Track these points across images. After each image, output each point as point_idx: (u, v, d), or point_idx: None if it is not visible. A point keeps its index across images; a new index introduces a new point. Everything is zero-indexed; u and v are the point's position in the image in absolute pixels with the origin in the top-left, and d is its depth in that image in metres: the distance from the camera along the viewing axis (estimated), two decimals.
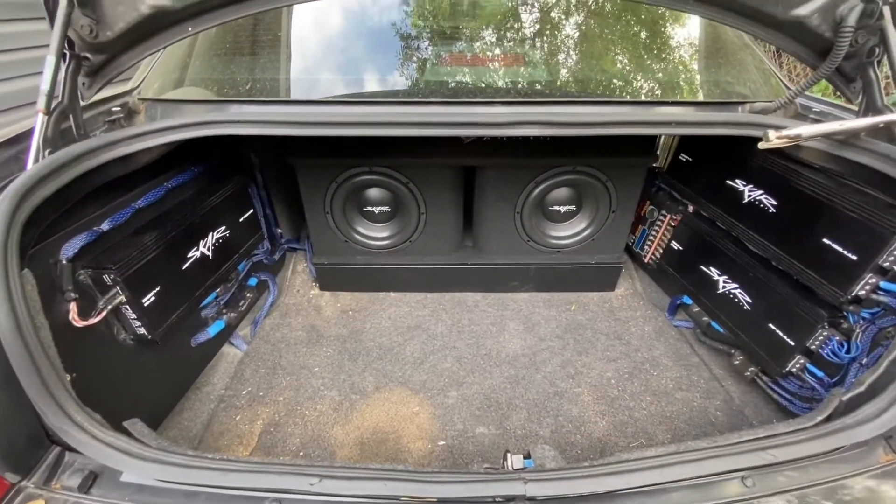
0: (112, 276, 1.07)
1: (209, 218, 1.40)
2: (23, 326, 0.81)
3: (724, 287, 1.56)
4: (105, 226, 1.10)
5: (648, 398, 1.53)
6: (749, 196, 1.43)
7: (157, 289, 1.19)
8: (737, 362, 1.55)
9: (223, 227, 1.47)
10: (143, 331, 1.17)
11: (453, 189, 1.81)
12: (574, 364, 1.66)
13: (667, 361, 1.68)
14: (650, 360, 1.69)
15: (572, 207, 1.85)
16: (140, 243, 1.15)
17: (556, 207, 1.85)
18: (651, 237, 1.94)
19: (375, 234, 1.92)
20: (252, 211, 1.64)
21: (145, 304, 1.15)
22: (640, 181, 1.77)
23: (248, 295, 1.66)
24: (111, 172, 1.10)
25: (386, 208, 1.86)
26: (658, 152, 1.85)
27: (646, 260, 1.98)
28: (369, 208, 1.86)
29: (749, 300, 1.46)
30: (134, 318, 1.15)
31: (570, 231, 1.90)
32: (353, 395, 1.52)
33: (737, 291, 1.50)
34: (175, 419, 1.43)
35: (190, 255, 1.32)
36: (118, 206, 1.16)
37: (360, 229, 1.90)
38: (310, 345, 1.73)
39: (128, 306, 1.12)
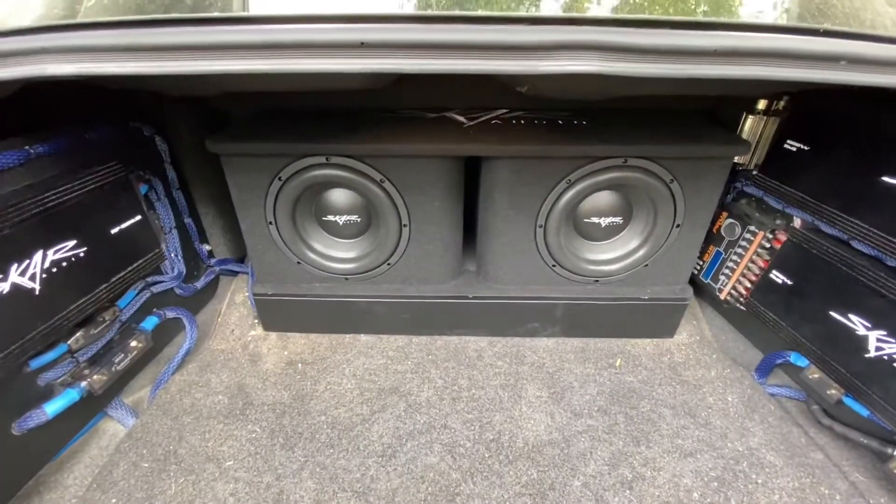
0: None
1: (40, 227, 0.85)
2: None
3: (878, 348, 0.97)
4: None
5: None
6: None
7: None
8: None
9: (72, 243, 0.91)
10: None
11: (449, 191, 1.26)
12: (630, 461, 1.07)
13: (773, 458, 1.08)
14: (746, 454, 1.09)
15: (618, 219, 1.29)
16: None
17: (596, 219, 1.28)
18: (731, 264, 1.36)
19: (339, 253, 1.36)
20: (139, 218, 1.09)
21: None
22: (720, 182, 1.21)
23: (136, 344, 1.10)
24: None
25: (354, 217, 1.31)
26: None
27: (722, 296, 1.40)
28: (331, 217, 1.31)
29: None
30: None
31: (613, 253, 1.33)
32: None
33: None
34: None
35: None
36: None
37: (318, 247, 1.35)
38: (230, 419, 1.15)
39: None
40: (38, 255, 0.84)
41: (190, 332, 1.29)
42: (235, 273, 1.57)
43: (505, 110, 1.40)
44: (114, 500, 0.96)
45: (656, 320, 1.42)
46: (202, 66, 0.59)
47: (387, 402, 1.21)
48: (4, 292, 0.79)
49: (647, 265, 1.33)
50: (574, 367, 1.33)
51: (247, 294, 1.52)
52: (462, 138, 1.19)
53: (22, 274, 0.82)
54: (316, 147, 1.17)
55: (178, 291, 1.29)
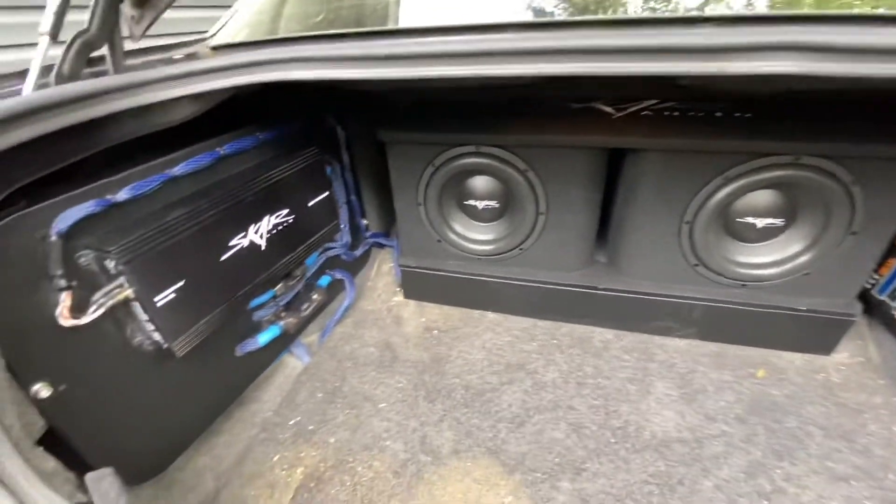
0: (114, 263, 0.78)
1: (267, 198, 1.10)
2: None
3: None
4: (122, 195, 0.83)
5: None
6: None
7: (181, 284, 0.90)
8: None
9: (286, 211, 1.15)
10: (158, 337, 0.88)
11: (590, 181, 1.29)
12: (770, 473, 1.03)
13: None
14: None
15: (778, 221, 1.20)
16: (163, 222, 0.86)
17: (751, 220, 1.21)
18: None
19: (476, 235, 1.48)
20: (327, 194, 1.31)
21: (159, 304, 0.86)
22: None
23: (316, 297, 1.35)
24: (130, 127, 0.82)
25: (493, 203, 1.41)
26: None
27: None
28: (472, 202, 1.43)
29: None
30: (146, 321, 0.86)
31: (768, 257, 1.24)
32: (423, 455, 1.10)
33: None
34: (211, 441, 1.16)
35: (234, 242, 1.01)
36: (145, 171, 0.89)
37: (458, 228, 1.48)
38: (381, 368, 1.35)
39: (138, 304, 0.84)
40: (265, 219, 1.09)
41: (350, 292, 1.53)
42: (382, 246, 1.78)
43: (655, 101, 1.36)
44: (299, 418, 1.21)
45: (811, 334, 1.29)
46: (422, 71, 0.71)
47: (514, 377, 1.31)
48: (245, 246, 1.04)
49: (808, 273, 1.22)
50: (708, 372, 1.29)
51: (392, 265, 1.72)
52: (611, 130, 1.21)
53: (256, 233, 1.06)
54: (468, 137, 1.28)
55: (343, 257, 1.52)
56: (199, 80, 0.85)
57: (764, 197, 1.18)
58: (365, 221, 1.65)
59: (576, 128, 1.24)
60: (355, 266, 1.64)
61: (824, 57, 0.58)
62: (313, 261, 1.36)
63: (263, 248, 1.09)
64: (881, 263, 1.26)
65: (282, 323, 1.23)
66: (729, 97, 1.30)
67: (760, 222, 1.21)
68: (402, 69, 0.73)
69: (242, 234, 1.03)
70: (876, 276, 1.29)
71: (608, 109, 1.34)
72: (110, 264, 0.79)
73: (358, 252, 1.61)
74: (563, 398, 1.23)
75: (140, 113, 0.83)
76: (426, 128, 1.33)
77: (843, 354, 1.31)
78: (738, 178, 1.13)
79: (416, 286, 1.61)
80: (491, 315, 1.56)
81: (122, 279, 0.80)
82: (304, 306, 1.30)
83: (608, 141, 1.19)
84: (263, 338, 1.18)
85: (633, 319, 1.42)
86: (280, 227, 1.14)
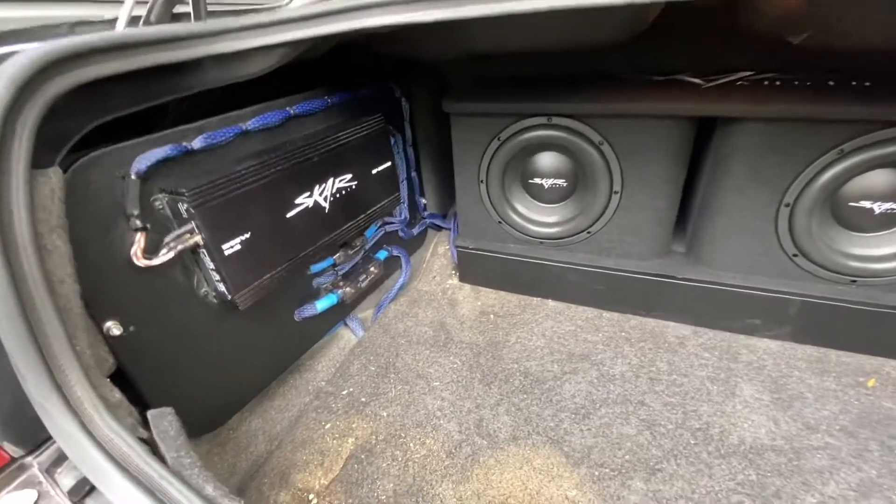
0: (186, 206, 0.78)
1: (333, 160, 1.08)
2: (12, 244, 0.54)
3: None
4: (197, 143, 0.84)
5: None
6: None
7: (247, 236, 0.89)
8: None
9: (349, 176, 1.13)
10: (223, 288, 0.88)
11: (672, 157, 1.17)
12: (889, 494, 0.87)
13: None
14: None
15: None
16: (233, 172, 0.86)
17: (868, 204, 1.05)
18: None
19: (540, 216, 1.39)
20: (390, 164, 1.28)
21: (227, 253, 0.86)
22: None
23: (374, 269, 1.32)
24: (210, 75, 0.83)
25: (561, 181, 1.32)
26: None
27: None
28: (537, 180, 1.35)
29: None
30: (213, 270, 0.86)
31: (888, 248, 1.07)
32: (479, 437, 1.03)
33: None
34: (265, 404, 1.16)
35: (300, 201, 1.00)
36: (220, 122, 0.89)
37: (521, 208, 1.41)
38: (435, 347, 1.30)
39: (205, 251, 0.84)
40: (330, 182, 1.07)
41: (405, 269, 1.49)
42: (439, 228, 1.74)
43: (749, 73, 1.22)
44: (352, 389, 1.18)
45: None
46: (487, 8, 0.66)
47: (578, 367, 1.21)
48: (310, 206, 1.03)
49: None
50: (807, 377, 1.13)
51: (448, 247, 1.67)
52: (700, 97, 1.09)
53: (320, 194, 1.05)
54: (539, 107, 1.21)
55: (400, 234, 1.49)
56: (273, 32, 0.84)
57: (885, 177, 1.02)
58: (424, 200, 1.61)
59: (658, 96, 1.13)
60: (412, 245, 1.61)
61: None
62: (372, 233, 1.34)
63: (327, 210, 1.08)
64: None
65: (339, 292, 1.21)
66: (840, 67, 1.14)
67: (879, 207, 1.04)
68: (472, 7, 0.67)
69: (308, 194, 1.01)
70: None
71: (696, 80, 1.21)
72: (182, 207, 0.79)
73: (415, 231, 1.57)
74: (634, 393, 1.12)
75: (219, 61, 0.83)
76: (494, 98, 1.27)
77: None
78: (855, 152, 0.98)
79: (473, 269, 1.55)
80: (552, 303, 1.46)
81: (192, 223, 0.80)
82: (362, 278, 1.27)
83: (697, 109, 1.07)
84: (321, 304, 1.17)
85: (715, 315, 1.28)
86: (343, 192, 1.12)
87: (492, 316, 1.43)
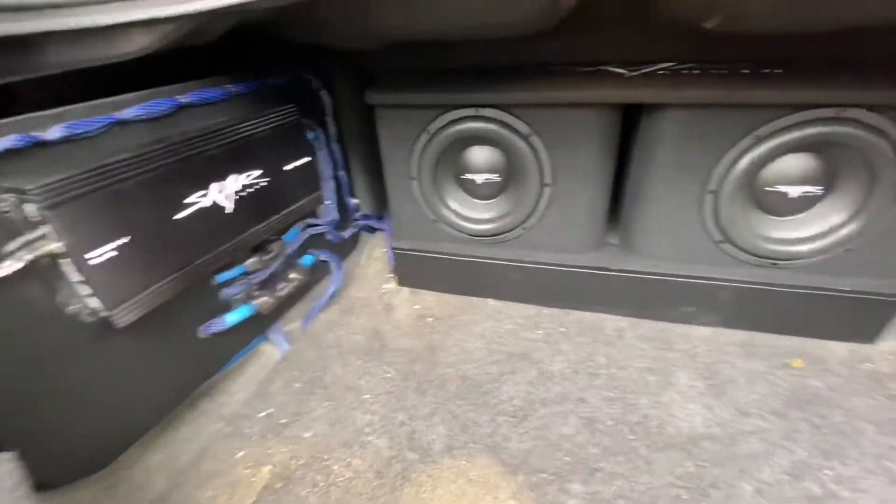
0: (36, 207, 0.65)
1: (235, 154, 0.96)
2: None
3: None
4: (53, 133, 0.71)
5: None
6: None
7: (124, 240, 0.76)
8: None
9: (258, 173, 1.02)
10: (95, 303, 0.75)
11: (601, 146, 1.16)
12: (819, 475, 0.87)
13: None
14: None
15: (814, 189, 1.05)
16: (103, 166, 0.73)
17: (783, 188, 1.07)
18: None
19: (476, 213, 1.34)
20: (308, 160, 1.18)
21: (96, 261, 0.73)
22: None
23: (296, 276, 1.21)
24: (63, 55, 0.70)
25: (494, 176, 1.28)
26: None
27: None
28: (470, 176, 1.30)
29: None
30: (80, 282, 0.73)
31: (804, 231, 1.10)
32: (411, 452, 0.95)
33: None
34: (168, 435, 1.01)
35: (192, 200, 0.88)
36: (88, 110, 0.76)
37: (455, 205, 1.35)
38: (368, 357, 1.21)
39: (69, 261, 0.70)
40: (232, 178, 0.96)
41: (337, 275, 1.39)
42: (374, 230, 1.65)
43: (672, 63, 1.23)
44: (271, 410, 1.06)
45: (855, 319, 1.14)
46: None
47: (517, 367, 1.16)
48: (206, 206, 0.91)
49: (849, 249, 1.08)
50: (737, 362, 1.13)
51: (384, 250, 1.58)
52: (623, 85, 1.08)
53: (220, 192, 0.93)
54: (466, 97, 1.15)
55: (329, 237, 1.39)
56: (138, 7, 0.72)
57: (799, 161, 1.04)
58: (355, 201, 1.51)
59: (583, 85, 1.11)
60: (343, 249, 1.51)
61: None
62: (293, 236, 1.22)
63: (229, 211, 0.96)
64: None
65: (255, 303, 1.09)
66: (755, 57, 1.17)
67: (794, 191, 1.07)
68: None
69: (202, 192, 0.89)
70: None
71: (620, 70, 1.21)
72: (30, 209, 0.66)
73: (346, 234, 1.47)
74: (573, 390, 1.08)
75: (75, 38, 0.70)
76: (420, 89, 1.20)
77: (890, 343, 1.15)
78: (770, 136, 1.00)
79: (410, 271, 1.47)
80: (492, 302, 1.41)
81: (46, 228, 0.67)
82: (282, 286, 1.16)
83: (620, 95, 1.06)
84: (232, 318, 1.04)
85: (650, 305, 1.27)
86: (251, 190, 1.00)
87: (430, 319, 1.35)
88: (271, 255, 1.13)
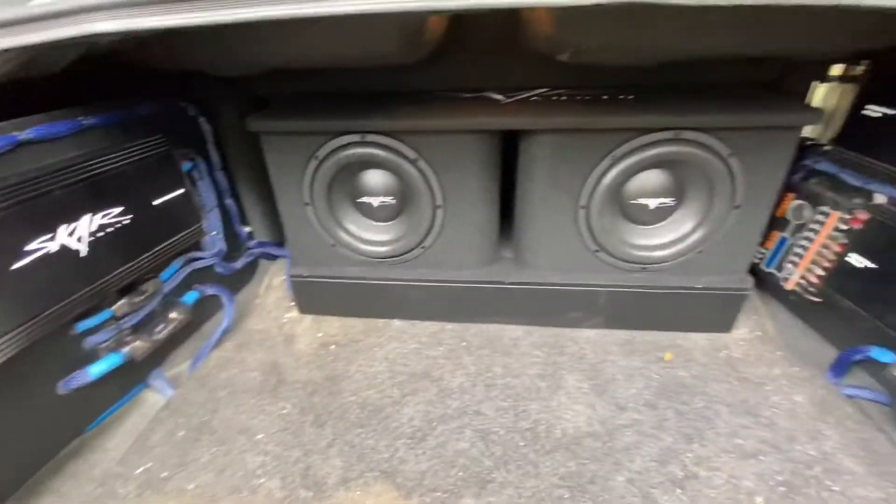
0: None
1: (88, 193, 0.89)
2: None
3: None
4: None
5: None
6: None
7: None
8: None
9: (118, 211, 0.95)
10: None
11: (484, 169, 1.22)
12: (681, 458, 0.97)
13: (852, 465, 0.94)
14: (820, 459, 0.96)
15: (669, 201, 1.19)
16: None
17: (643, 201, 1.20)
18: (798, 250, 1.23)
19: (373, 235, 1.35)
20: (181, 192, 1.12)
21: None
22: (786, 157, 1.09)
23: (176, 316, 1.13)
24: None
25: (389, 199, 1.29)
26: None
27: (787, 286, 1.26)
28: (366, 199, 1.30)
29: None
30: None
31: (663, 238, 1.23)
32: (304, 490, 0.92)
33: None
34: None
35: (33, 247, 0.79)
36: None
37: (353, 229, 1.34)
38: (263, 394, 1.16)
39: None
40: (86, 219, 0.88)
41: (228, 310, 1.32)
42: (274, 257, 1.59)
43: (545, 89, 1.34)
44: (150, 464, 0.98)
45: (711, 312, 1.30)
46: (231, 14, 0.58)
47: (418, 387, 1.17)
48: (53, 251, 0.82)
49: (700, 251, 1.22)
50: (618, 360, 1.24)
51: (284, 277, 1.53)
52: (498, 112, 1.15)
53: (71, 235, 0.85)
54: (351, 124, 1.16)
55: (217, 269, 1.32)
56: None
57: (653, 176, 1.17)
58: (247, 229, 1.45)
59: (463, 112, 1.17)
60: (237, 280, 1.44)
61: None
62: (171, 273, 1.15)
63: (84, 254, 0.88)
64: (765, 238, 1.30)
65: (125, 349, 1.00)
66: (615, 83, 1.30)
67: (653, 203, 1.20)
68: (212, 13, 0.59)
69: (48, 237, 0.81)
70: (763, 250, 1.33)
71: (498, 97, 1.29)
72: None
73: (238, 264, 1.41)
74: (471, 403, 1.11)
75: None
76: (305, 116, 1.19)
77: (742, 330, 1.32)
78: (624, 157, 1.11)
79: (312, 298, 1.44)
80: (396, 323, 1.42)
81: None
82: (159, 328, 1.08)
83: (495, 122, 1.13)
84: (97, 369, 0.95)
85: (542, 313, 1.35)
86: (111, 230, 0.93)
87: (333, 347, 1.33)
88: (144, 295, 1.05)
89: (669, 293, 1.27)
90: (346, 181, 1.28)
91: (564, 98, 1.24)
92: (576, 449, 0.99)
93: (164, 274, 1.12)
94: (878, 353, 1.03)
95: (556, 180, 1.17)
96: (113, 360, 0.98)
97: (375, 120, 1.15)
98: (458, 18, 1.14)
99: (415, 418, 1.08)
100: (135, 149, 0.98)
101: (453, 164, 1.19)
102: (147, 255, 1.02)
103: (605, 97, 1.22)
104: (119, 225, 0.94)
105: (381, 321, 1.43)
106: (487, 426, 1.05)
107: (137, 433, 1.06)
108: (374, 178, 1.28)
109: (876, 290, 1.03)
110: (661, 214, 1.22)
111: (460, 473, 0.94)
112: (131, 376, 1.08)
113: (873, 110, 1.03)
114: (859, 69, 1.09)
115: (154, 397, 1.16)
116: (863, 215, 1.06)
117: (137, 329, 1.05)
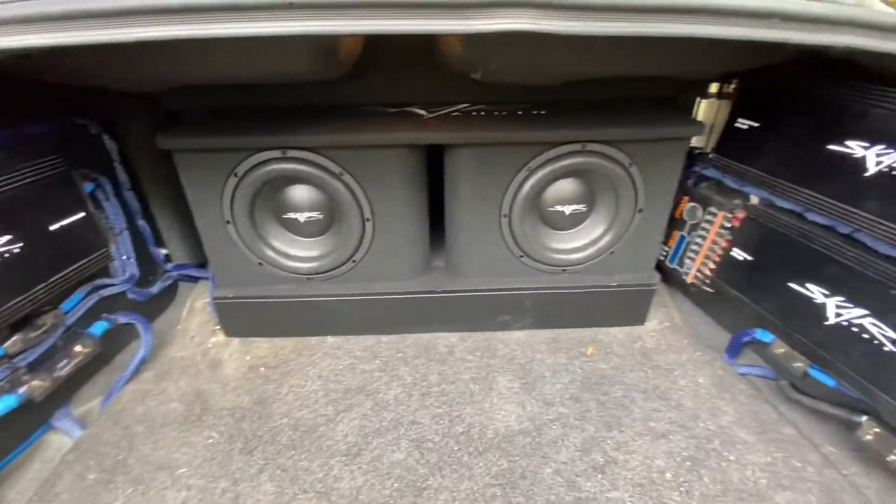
0: None
1: None
2: None
3: (838, 314, 0.98)
4: None
5: None
6: (879, 164, 0.88)
7: None
8: (868, 437, 0.95)
9: (5, 238, 0.86)
10: None
11: (410, 182, 1.25)
12: (602, 446, 1.05)
13: (745, 435, 1.07)
14: (718, 433, 1.08)
15: (581, 207, 1.29)
16: None
17: (560, 207, 1.28)
18: (694, 247, 1.37)
19: (302, 252, 1.33)
20: (82, 216, 1.04)
21: None
22: (677, 164, 1.23)
23: (82, 349, 1.04)
24: None
25: (316, 214, 1.28)
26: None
27: (688, 279, 1.41)
28: (291, 215, 1.28)
29: (893, 334, 0.88)
30: None
31: (578, 241, 1.33)
32: None
33: (866, 321, 0.92)
34: None
35: None
36: None
37: (279, 246, 1.31)
38: (185, 426, 1.09)
39: None
40: None
41: (144, 339, 1.23)
42: (196, 279, 1.52)
43: (466, 104, 1.40)
44: None
45: (625, 308, 1.41)
46: (119, 34, 0.57)
47: (353, 402, 1.17)
48: None
49: (612, 252, 1.33)
50: (546, 358, 1.31)
51: (208, 300, 1.46)
52: (420, 127, 1.19)
53: None
54: (271, 140, 1.14)
55: (131, 296, 1.23)
56: None
57: (567, 185, 1.26)
58: (163, 251, 1.37)
59: (385, 127, 1.19)
60: (154, 306, 1.35)
61: (552, 15, 0.60)
62: (75, 304, 1.06)
63: None
64: (668, 237, 1.44)
65: (22, 390, 0.91)
66: (529, 98, 1.39)
67: (568, 209, 1.29)
68: (101, 32, 0.57)
69: None
70: (666, 248, 1.47)
71: (421, 112, 1.33)
72: None
73: (155, 289, 1.33)
74: (406, 414, 1.12)
75: None
76: (221, 132, 1.15)
77: (653, 322, 1.45)
78: (539, 168, 1.19)
79: (239, 320, 1.38)
80: (330, 339, 1.40)
81: None
82: (62, 364, 0.99)
83: (416, 137, 1.16)
84: None
85: (475, 319, 1.40)
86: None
87: (262, 369, 1.28)
88: (41, 329, 0.96)
89: (588, 292, 1.36)
90: (269, 197, 1.25)
91: (483, 113, 1.31)
92: (507, 447, 1.04)
93: (66, 304, 1.03)
94: (761, 335, 1.18)
95: (480, 191, 1.23)
96: (7, 403, 0.88)
97: (297, 135, 1.14)
98: (373, 38, 1.17)
99: (349, 434, 1.07)
100: (26, 170, 0.90)
101: (380, 177, 1.21)
102: (43, 285, 0.94)
103: (520, 112, 1.30)
104: (7, 254, 0.86)
105: (313, 339, 1.40)
106: (423, 434, 1.07)
107: (40, 481, 0.96)
108: (300, 193, 1.26)
109: (754, 279, 1.18)
110: (576, 220, 1.32)
111: (395, 484, 0.95)
112: (31, 419, 0.98)
113: (742, 123, 1.18)
114: (731, 86, 1.25)
115: (60, 439, 1.05)
116: (741, 214, 1.21)
117: (35, 366, 0.96)
